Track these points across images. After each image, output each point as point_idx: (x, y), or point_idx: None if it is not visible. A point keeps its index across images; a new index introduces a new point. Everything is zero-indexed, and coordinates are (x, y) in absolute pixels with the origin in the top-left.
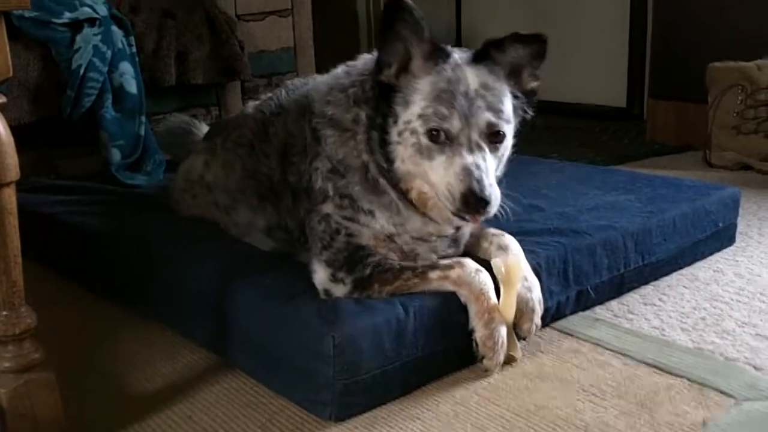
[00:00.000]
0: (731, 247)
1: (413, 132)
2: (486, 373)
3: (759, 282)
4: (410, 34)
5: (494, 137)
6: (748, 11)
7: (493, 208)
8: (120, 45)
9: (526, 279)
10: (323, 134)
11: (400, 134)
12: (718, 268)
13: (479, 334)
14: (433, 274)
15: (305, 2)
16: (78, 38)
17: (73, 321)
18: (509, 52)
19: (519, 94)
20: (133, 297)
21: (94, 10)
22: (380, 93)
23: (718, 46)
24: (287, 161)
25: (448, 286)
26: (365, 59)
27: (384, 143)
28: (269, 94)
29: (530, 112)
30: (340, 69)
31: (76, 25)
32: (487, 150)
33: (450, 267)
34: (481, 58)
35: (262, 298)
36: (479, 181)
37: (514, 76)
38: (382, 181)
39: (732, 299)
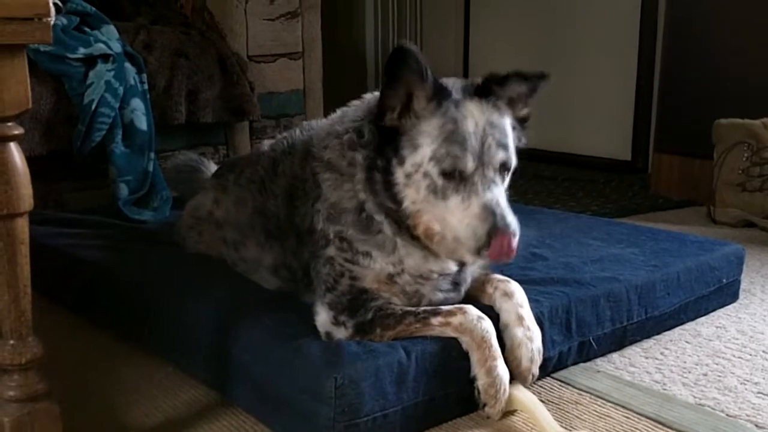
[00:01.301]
0: (734, 304)
1: (426, 175)
2: (487, 420)
3: (762, 339)
4: (414, 77)
5: (504, 171)
6: (755, 68)
7: (517, 239)
8: (132, 82)
9: (528, 328)
10: (321, 177)
11: (408, 176)
12: (720, 324)
13: (481, 381)
14: (435, 320)
15: (316, 45)
16: (91, 74)
17: (75, 353)
18: (510, 88)
19: (515, 124)
20: (135, 331)
21: (109, 47)
22: (382, 136)
23: (725, 103)
24: (292, 203)
25: (450, 333)
26: (357, 104)
27: (389, 185)
28: (285, 134)
29: (524, 140)
30: (335, 114)
31: (90, 61)
32: (500, 184)
33: (452, 313)
34: (482, 92)
35: (264, 337)
36: (503, 216)
37: (510, 106)
38: (378, 219)
39: (734, 356)
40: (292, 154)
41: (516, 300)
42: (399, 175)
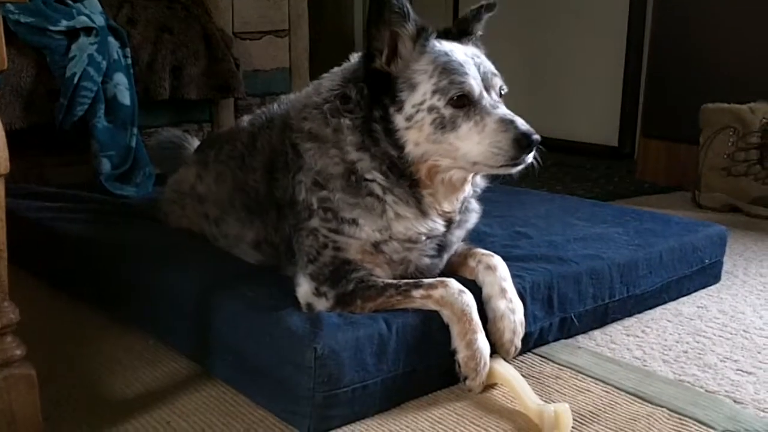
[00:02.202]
0: (716, 285)
1: (431, 109)
2: (468, 393)
3: (742, 319)
4: (397, 18)
5: (500, 95)
6: (742, 54)
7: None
8: (115, 56)
9: (510, 300)
10: (303, 147)
11: (409, 119)
12: (702, 304)
13: (461, 354)
14: (417, 293)
15: (303, 23)
16: (73, 47)
17: (56, 326)
18: (483, 17)
19: None
20: (116, 304)
21: (91, 20)
22: (374, 86)
23: (711, 88)
24: (272, 176)
25: (431, 305)
26: (330, 75)
27: (389, 132)
28: (263, 109)
29: None
30: (309, 87)
31: (72, 34)
32: (503, 106)
33: (433, 286)
34: (459, 34)
35: (245, 309)
36: (523, 124)
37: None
38: (369, 178)
39: (715, 335)
40: (270, 128)
41: (499, 273)
42: (399, 120)
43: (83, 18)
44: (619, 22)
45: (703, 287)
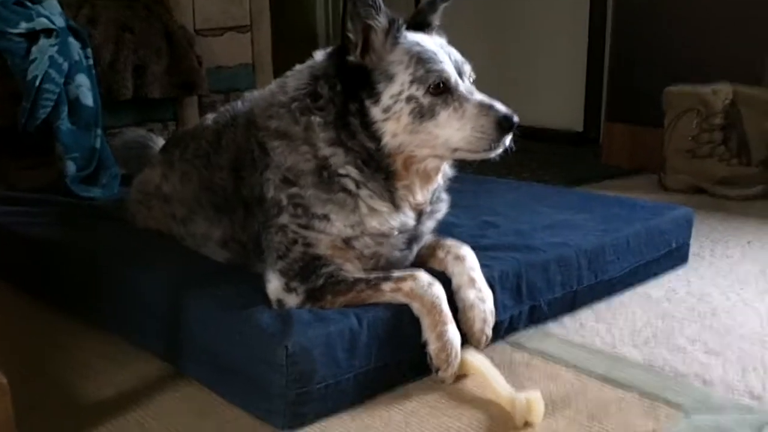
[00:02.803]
0: (684, 267)
1: (410, 98)
2: (441, 384)
3: (710, 301)
4: (369, 11)
5: (471, 82)
6: (704, 36)
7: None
8: (77, 57)
9: (480, 290)
10: (270, 145)
11: (386, 110)
12: (670, 287)
13: (432, 346)
14: (386, 286)
15: (264, 18)
16: (34, 49)
17: (25, 330)
18: (438, 10)
19: None
20: (86, 308)
21: (51, 21)
22: (349, 80)
23: (675, 71)
24: (238, 174)
25: (401, 298)
26: (295, 74)
27: (366, 125)
28: (227, 106)
29: None
30: (273, 86)
31: (32, 36)
32: (477, 92)
33: (403, 279)
34: (416, 27)
35: (215, 308)
36: (501, 108)
37: None
38: (342, 173)
39: (683, 317)
40: (235, 126)
41: (467, 263)
42: (376, 113)
43: (43, 19)
44: (581, 7)
45: (671, 270)
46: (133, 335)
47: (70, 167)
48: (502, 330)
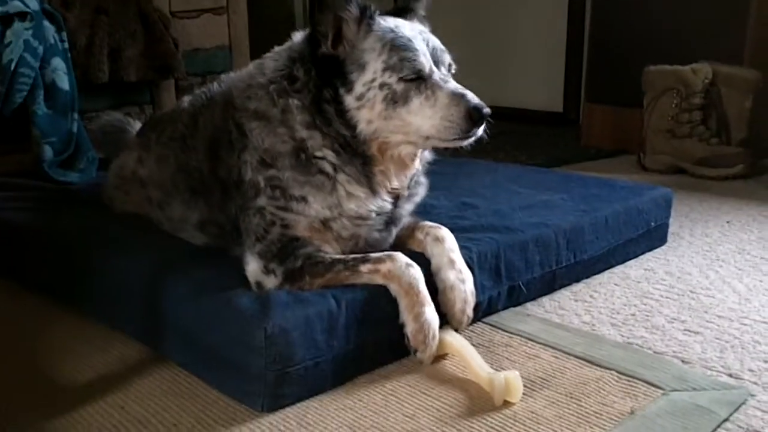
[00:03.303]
0: (663, 247)
1: (382, 86)
2: (420, 365)
3: (689, 280)
4: (339, 2)
5: (449, 71)
6: (684, 16)
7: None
8: (52, 40)
9: (459, 271)
10: (248, 127)
11: (360, 98)
12: (649, 266)
13: (410, 327)
14: (364, 267)
15: (240, 0)
16: (8, 33)
17: (4, 316)
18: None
19: None
20: (65, 292)
21: (25, 5)
22: (322, 69)
23: (654, 51)
24: (215, 155)
25: (379, 280)
26: (273, 56)
27: (341, 113)
28: (203, 88)
29: None
30: (251, 67)
31: (6, 20)
32: (452, 80)
33: (381, 260)
34: (402, 12)
35: (193, 291)
36: (474, 97)
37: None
38: (319, 155)
39: (662, 296)
40: (212, 107)
41: (447, 244)
42: (349, 101)
43: (17, 3)
44: None
45: (650, 250)
46: (112, 319)
47: (47, 152)
48: (481, 311)
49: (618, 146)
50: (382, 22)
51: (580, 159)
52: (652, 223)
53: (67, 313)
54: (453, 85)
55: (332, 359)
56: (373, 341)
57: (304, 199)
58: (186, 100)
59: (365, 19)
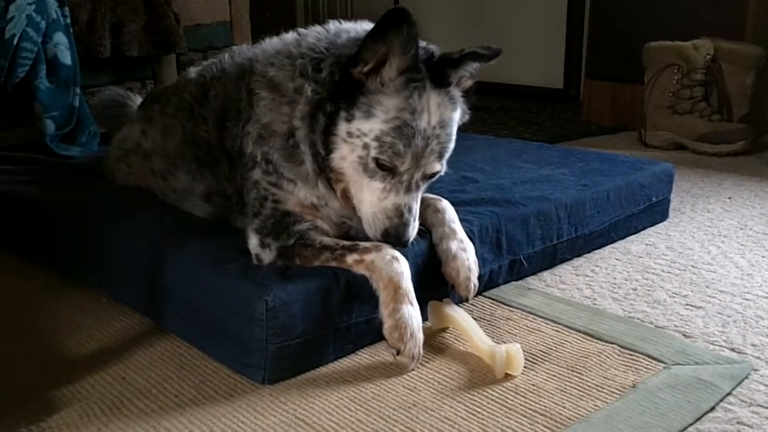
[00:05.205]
0: (664, 222)
1: (365, 147)
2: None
3: (690, 255)
4: (398, 45)
5: (432, 177)
6: None
7: (408, 244)
8: (54, 15)
9: (461, 241)
10: (258, 95)
11: (349, 135)
12: (650, 241)
13: (385, 324)
14: (350, 258)
15: None
16: (11, 8)
17: (5, 288)
18: (463, 69)
19: (462, 104)
20: (66, 264)
21: None
22: (341, 84)
23: (655, 27)
24: (224, 125)
25: (361, 270)
26: (319, 31)
27: (328, 132)
28: (212, 60)
29: (468, 114)
30: (290, 35)
31: None
32: (421, 190)
33: (367, 250)
34: (438, 79)
35: (195, 263)
36: (405, 225)
37: (459, 83)
38: (303, 150)
39: (663, 271)
40: (225, 77)
41: (447, 215)
42: (341, 128)
43: None
44: None
45: (651, 225)
46: (113, 291)
47: (49, 126)
48: (482, 284)
49: (618, 122)
50: (416, 94)
51: (580, 135)
52: (654, 198)
53: (69, 285)
54: (409, 198)
55: (333, 333)
56: (375, 315)
57: (293, 182)
58: (192, 71)
59: (407, 74)
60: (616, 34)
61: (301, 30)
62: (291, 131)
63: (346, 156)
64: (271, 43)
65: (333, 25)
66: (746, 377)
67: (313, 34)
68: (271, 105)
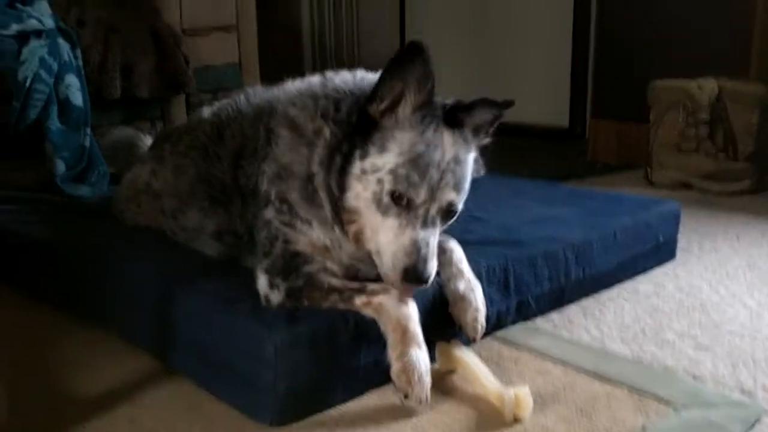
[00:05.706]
0: (672, 262)
1: (379, 181)
2: (412, 414)
3: (699, 295)
4: (414, 80)
5: (450, 214)
6: (689, 30)
7: (429, 283)
8: (66, 57)
9: (469, 281)
10: (277, 133)
11: (363, 172)
12: (658, 281)
13: (393, 367)
14: (359, 300)
15: (251, 18)
16: (24, 50)
17: (16, 327)
18: (477, 115)
19: (477, 156)
20: (77, 304)
21: (41, 23)
22: (358, 123)
23: (660, 66)
24: (239, 164)
25: (370, 313)
26: (346, 76)
27: (343, 172)
28: (227, 100)
29: (483, 171)
30: (316, 77)
31: (22, 37)
32: (438, 226)
33: (375, 292)
34: (451, 121)
35: (205, 302)
36: (425, 261)
37: (474, 133)
38: (322, 195)
39: (672, 311)
40: (242, 118)
41: (455, 256)
42: (356, 166)
43: (33, 21)
44: (566, 2)
45: (659, 264)
46: (122, 331)
47: (60, 166)
48: (490, 325)
49: (624, 161)
50: (430, 130)
51: (586, 174)
52: (661, 238)
53: (79, 326)
54: (426, 234)
55: (341, 375)
56: (384, 357)
57: (308, 222)
58: (206, 110)
59: (422, 112)
60: (622, 73)
61: (329, 73)
62: (310, 175)
63: (360, 193)
64: (294, 85)
65: (360, 72)
66: (757, 420)
67: (340, 77)
68: (291, 144)
